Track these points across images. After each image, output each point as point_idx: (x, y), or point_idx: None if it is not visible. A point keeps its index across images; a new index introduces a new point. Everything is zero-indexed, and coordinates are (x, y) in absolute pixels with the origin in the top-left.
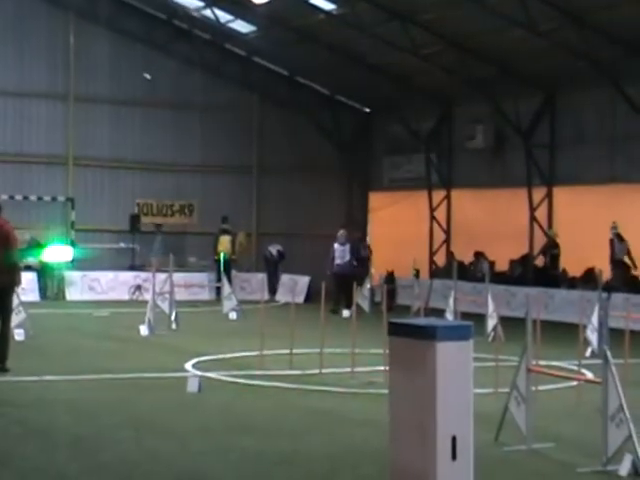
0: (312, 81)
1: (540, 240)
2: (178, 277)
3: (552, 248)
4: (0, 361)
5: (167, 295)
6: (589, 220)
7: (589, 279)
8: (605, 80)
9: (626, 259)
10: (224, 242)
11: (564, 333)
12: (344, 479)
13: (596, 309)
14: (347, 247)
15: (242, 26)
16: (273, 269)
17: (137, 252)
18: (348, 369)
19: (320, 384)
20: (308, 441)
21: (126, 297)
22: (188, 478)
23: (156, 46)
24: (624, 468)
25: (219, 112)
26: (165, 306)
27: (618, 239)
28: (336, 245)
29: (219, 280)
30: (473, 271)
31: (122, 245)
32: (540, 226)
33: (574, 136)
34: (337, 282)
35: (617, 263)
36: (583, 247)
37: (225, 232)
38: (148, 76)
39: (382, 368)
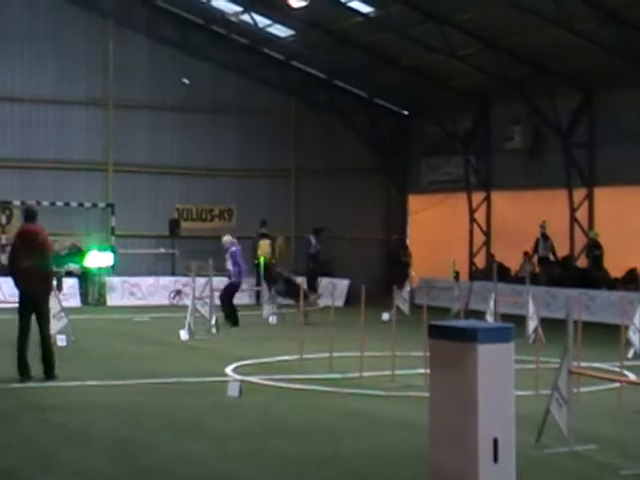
0: (349, 84)
1: (581, 241)
2: (218, 282)
3: (594, 249)
4: (49, 369)
5: (207, 300)
6: (630, 220)
7: (631, 280)
8: None
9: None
10: (263, 246)
11: (605, 334)
12: None
13: (638, 310)
14: None
15: (280, 30)
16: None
17: (177, 257)
18: (388, 372)
19: (360, 387)
20: (348, 444)
21: (166, 302)
22: None
23: (193, 51)
24: None
25: (257, 116)
26: (205, 311)
27: (543, 238)
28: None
29: (259, 284)
30: (519, 272)
31: (162, 250)
32: (581, 227)
33: (614, 135)
34: None
35: (542, 260)
36: (624, 248)
37: (264, 236)
38: (186, 81)
39: (422, 371)
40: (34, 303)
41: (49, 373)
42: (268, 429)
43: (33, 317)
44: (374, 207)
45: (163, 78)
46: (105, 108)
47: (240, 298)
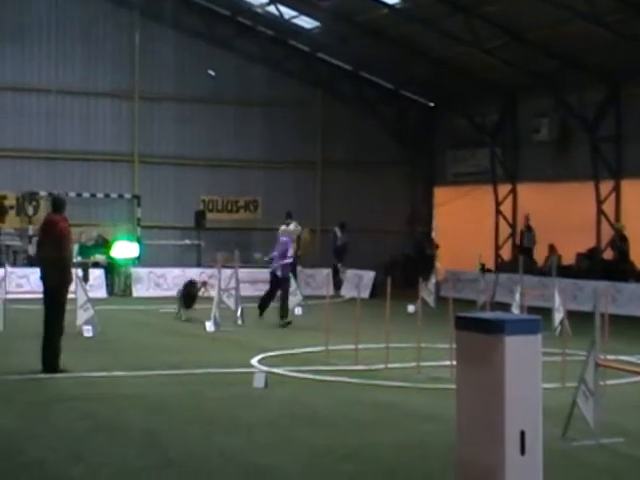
0: (376, 76)
1: (607, 234)
2: (244, 273)
3: (621, 241)
4: (46, 363)
5: (233, 291)
6: None
7: None
8: None
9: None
10: None
11: (633, 327)
12: (410, 473)
13: None
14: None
15: (306, 22)
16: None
17: (202, 248)
18: (414, 364)
19: (386, 379)
20: (374, 435)
21: None
22: (256, 472)
23: (219, 43)
24: None
25: (283, 108)
26: (231, 302)
27: (528, 230)
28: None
29: None
30: (544, 266)
31: (187, 242)
32: (607, 219)
33: (639, 128)
34: None
35: (526, 250)
36: None
37: None
38: (212, 72)
39: (448, 363)
40: (50, 294)
41: (46, 367)
42: (294, 420)
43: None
44: (400, 199)
45: (189, 70)
46: (131, 100)
47: (264, 290)
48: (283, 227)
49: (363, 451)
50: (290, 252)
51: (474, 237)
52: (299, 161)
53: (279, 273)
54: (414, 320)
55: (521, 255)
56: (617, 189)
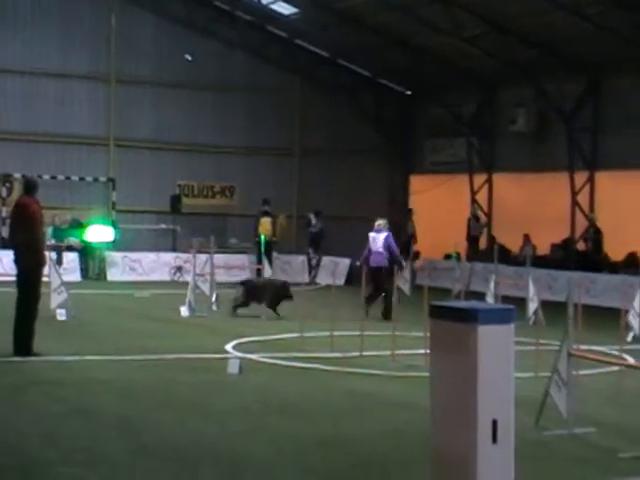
0: (354, 63)
1: (582, 224)
2: (219, 259)
3: (595, 233)
4: (18, 346)
5: (208, 276)
6: (632, 205)
7: (631, 264)
8: None
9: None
10: (265, 224)
11: (606, 318)
12: (385, 462)
13: (638, 294)
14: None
15: (284, 8)
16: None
17: (178, 233)
18: (389, 352)
19: (361, 366)
20: (349, 423)
21: (167, 278)
22: (229, 459)
23: (198, 28)
24: None
25: (261, 94)
26: (206, 287)
27: (475, 219)
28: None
29: (260, 262)
30: (519, 255)
31: (163, 226)
32: (582, 210)
33: (617, 121)
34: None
35: (473, 239)
36: (626, 232)
37: (266, 214)
38: (189, 57)
39: (423, 351)
40: (23, 276)
41: (18, 350)
42: (268, 407)
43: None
44: (377, 187)
45: (167, 54)
46: (108, 83)
47: (240, 275)
48: (384, 220)
49: (337, 439)
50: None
51: (450, 226)
52: (277, 147)
53: (404, 264)
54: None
55: (468, 243)
56: (592, 180)
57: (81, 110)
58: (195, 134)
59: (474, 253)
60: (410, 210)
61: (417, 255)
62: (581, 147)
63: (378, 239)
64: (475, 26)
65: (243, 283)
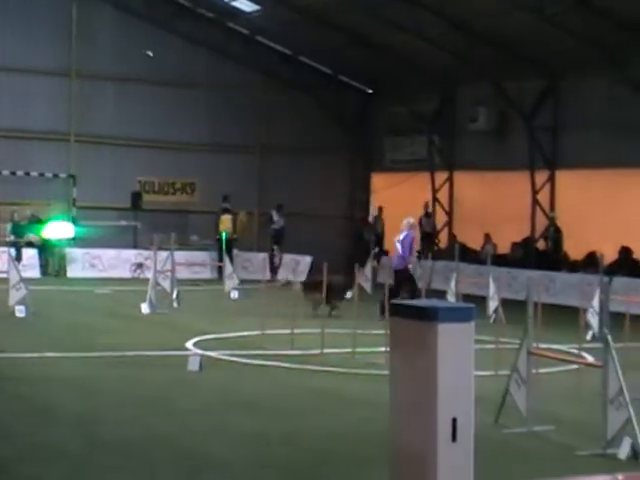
0: (316, 61)
1: (542, 223)
2: (180, 255)
3: (554, 232)
4: None
5: (168, 273)
6: (591, 204)
7: (590, 263)
8: (610, 64)
9: None
10: (225, 221)
11: (565, 316)
12: (345, 459)
13: (597, 293)
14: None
15: (246, 5)
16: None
17: (139, 230)
18: (349, 349)
19: (321, 364)
20: (309, 421)
21: (127, 275)
22: (188, 457)
23: (159, 24)
24: (623, 451)
25: (223, 91)
26: (166, 284)
27: (427, 216)
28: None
29: (221, 259)
30: (481, 253)
31: (123, 223)
32: (542, 209)
33: (577, 120)
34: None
35: (426, 235)
36: (585, 231)
37: (226, 211)
38: (150, 53)
39: (383, 349)
40: None
41: None
42: (229, 405)
43: None
44: (338, 184)
45: (129, 49)
46: (69, 78)
47: (201, 272)
48: (408, 220)
49: (297, 437)
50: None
51: None
52: (238, 144)
53: (410, 266)
54: (351, 305)
55: (423, 240)
56: (552, 179)
57: (41, 105)
58: (156, 130)
59: (429, 250)
60: (380, 208)
61: (386, 253)
62: (541, 146)
63: (398, 240)
64: (436, 25)
65: (316, 283)
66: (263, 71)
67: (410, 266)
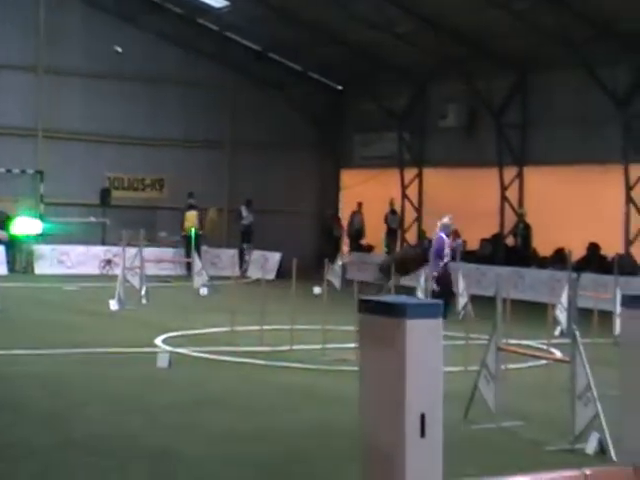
0: (286, 58)
1: (511, 220)
2: (149, 252)
3: (523, 228)
4: None
5: (137, 270)
6: (560, 200)
7: (559, 259)
8: (578, 62)
9: None
10: (190, 218)
11: (534, 312)
12: (315, 455)
13: (565, 289)
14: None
15: (215, 1)
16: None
17: (107, 226)
18: (319, 346)
19: (291, 361)
20: (278, 417)
21: (96, 271)
22: (158, 454)
23: (129, 19)
24: (591, 446)
25: (192, 86)
26: (135, 281)
27: (392, 213)
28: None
29: (188, 256)
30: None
31: (92, 219)
32: (511, 206)
33: (546, 117)
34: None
35: (391, 231)
36: (553, 227)
37: (191, 207)
38: (119, 49)
39: (353, 345)
40: None
41: None
42: (198, 401)
43: None
44: (308, 181)
45: (97, 45)
46: (36, 73)
47: (170, 269)
48: (444, 220)
49: (267, 434)
50: (446, 250)
51: (380, 220)
52: (207, 140)
53: (434, 273)
54: (320, 302)
55: (388, 236)
56: (521, 176)
57: (9, 100)
58: (125, 126)
59: (393, 244)
60: (359, 204)
61: (371, 249)
62: (510, 143)
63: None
64: (406, 22)
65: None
66: (233, 67)
67: (435, 273)
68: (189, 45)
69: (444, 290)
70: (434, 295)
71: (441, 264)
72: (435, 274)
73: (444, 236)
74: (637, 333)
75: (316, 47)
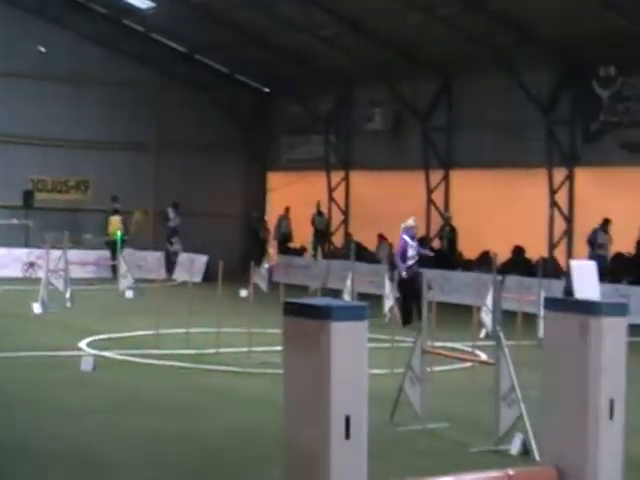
0: (212, 59)
1: (437, 223)
2: (73, 254)
3: (449, 231)
4: None
5: (62, 273)
6: (485, 203)
7: (484, 262)
8: (502, 67)
9: None
10: (114, 222)
11: (460, 315)
12: (239, 458)
13: (490, 291)
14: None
15: (141, 2)
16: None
17: (31, 229)
18: (245, 349)
19: (217, 363)
20: (203, 420)
21: (19, 274)
22: (81, 458)
23: (52, 19)
24: (515, 447)
25: (117, 88)
26: (59, 284)
27: (319, 214)
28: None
29: (113, 259)
30: (376, 254)
31: (14, 221)
32: (437, 209)
33: (471, 121)
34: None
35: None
36: (479, 230)
37: (115, 212)
38: (42, 49)
39: (279, 348)
40: None
41: None
42: (122, 405)
43: None
44: (234, 183)
45: (18, 44)
46: None
47: (96, 272)
48: (408, 222)
49: (192, 436)
50: (410, 252)
51: (307, 223)
52: (132, 142)
53: (403, 275)
54: (246, 305)
55: (315, 237)
56: (447, 179)
57: None
58: (48, 127)
59: (321, 246)
60: (287, 208)
61: (303, 251)
62: (436, 146)
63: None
64: (331, 25)
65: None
66: (158, 69)
67: (404, 273)
68: (114, 46)
69: (406, 295)
70: (398, 300)
71: (405, 267)
72: (400, 277)
73: (407, 238)
74: (558, 335)
75: (242, 49)
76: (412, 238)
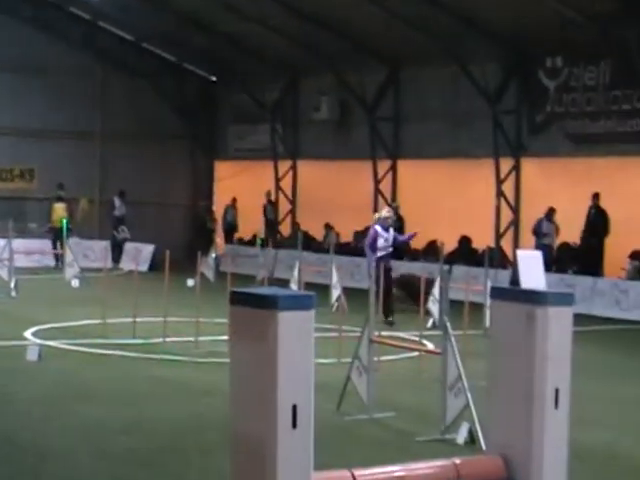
0: (158, 48)
1: None
2: (18, 244)
3: (397, 221)
4: None
5: (6, 262)
6: (432, 193)
7: (431, 251)
8: (449, 58)
9: None
10: (58, 210)
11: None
12: (187, 447)
13: (437, 281)
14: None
15: None
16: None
17: None
18: (192, 338)
19: (164, 353)
20: (151, 409)
21: None
22: (28, 448)
23: None
24: (461, 436)
25: (62, 76)
26: (4, 273)
27: (270, 204)
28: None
29: (56, 247)
30: (324, 243)
31: None
32: (384, 198)
33: (419, 111)
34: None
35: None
36: (426, 220)
37: (60, 199)
38: None
39: (226, 337)
40: None
41: None
42: (69, 394)
43: None
44: (181, 172)
45: None
46: None
47: (41, 261)
48: (382, 213)
49: (138, 425)
50: (380, 242)
51: (254, 213)
52: (78, 130)
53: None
54: (193, 294)
55: (266, 227)
56: (394, 169)
57: None
58: None
59: (273, 235)
60: (234, 199)
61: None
62: (383, 136)
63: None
64: (278, 13)
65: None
66: (105, 57)
67: (373, 264)
68: (60, 34)
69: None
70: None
71: (374, 258)
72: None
73: (378, 228)
74: (504, 324)
75: (189, 37)
76: (386, 229)
